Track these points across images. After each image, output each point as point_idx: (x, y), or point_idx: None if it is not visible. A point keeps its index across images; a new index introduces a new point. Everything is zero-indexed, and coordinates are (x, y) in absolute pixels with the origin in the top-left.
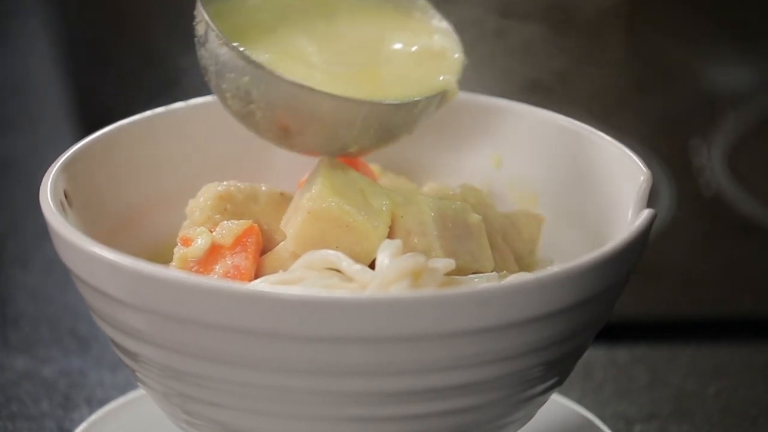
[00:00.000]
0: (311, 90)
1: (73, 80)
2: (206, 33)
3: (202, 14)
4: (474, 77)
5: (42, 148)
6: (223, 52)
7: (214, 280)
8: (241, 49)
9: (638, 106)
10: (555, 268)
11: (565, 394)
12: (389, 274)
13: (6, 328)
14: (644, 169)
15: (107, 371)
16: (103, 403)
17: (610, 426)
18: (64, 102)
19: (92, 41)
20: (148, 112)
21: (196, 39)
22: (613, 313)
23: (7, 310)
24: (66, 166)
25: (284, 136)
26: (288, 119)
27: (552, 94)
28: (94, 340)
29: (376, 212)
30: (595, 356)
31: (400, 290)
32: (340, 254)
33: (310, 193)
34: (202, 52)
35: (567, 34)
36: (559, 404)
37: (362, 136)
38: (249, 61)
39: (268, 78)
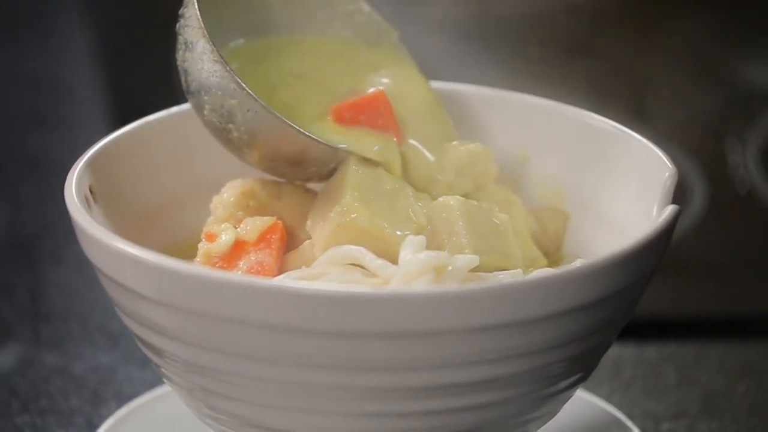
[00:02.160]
0: (300, 132)
1: (106, 77)
2: (197, 42)
3: (197, 22)
4: (517, 73)
5: (75, 145)
6: (216, 69)
7: (236, 275)
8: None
9: (674, 104)
10: (577, 264)
11: (594, 391)
12: (411, 270)
13: (37, 324)
14: (669, 165)
15: (136, 367)
16: (131, 398)
17: (638, 424)
18: (98, 99)
19: (126, 38)
20: (174, 108)
21: (181, 40)
22: (642, 310)
23: (38, 306)
24: (91, 163)
25: (250, 156)
26: (264, 148)
27: (588, 91)
28: (124, 337)
29: (405, 219)
30: (624, 354)
31: (421, 285)
32: (363, 249)
33: (338, 204)
34: (186, 56)
35: (605, 34)
36: (586, 401)
37: (328, 173)
38: (242, 87)
39: (258, 110)
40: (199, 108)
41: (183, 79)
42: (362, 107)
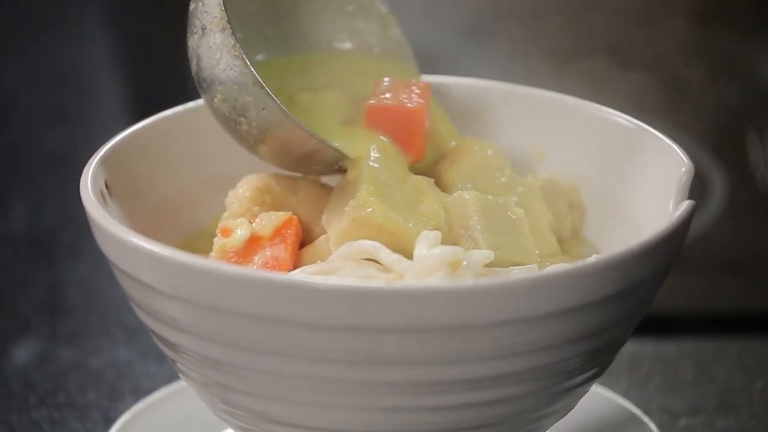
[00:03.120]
0: (312, 136)
1: (127, 74)
2: (217, 32)
3: (219, 12)
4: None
5: (96, 141)
6: (236, 64)
7: (251, 270)
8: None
9: (695, 99)
10: (592, 259)
11: (611, 386)
12: (426, 264)
13: (55, 319)
14: (686, 160)
15: (154, 362)
16: (148, 393)
17: (655, 419)
18: (119, 95)
19: (147, 34)
20: (190, 104)
21: (198, 24)
22: (660, 306)
23: (57, 301)
24: (107, 158)
25: (256, 148)
26: (273, 144)
27: (605, 87)
28: (141, 332)
29: (421, 214)
30: (642, 350)
31: (436, 280)
32: (377, 244)
33: (354, 199)
34: (201, 42)
35: (624, 27)
36: (602, 397)
37: (333, 171)
38: (261, 86)
39: (275, 110)
40: (208, 95)
41: (194, 63)
42: (396, 115)
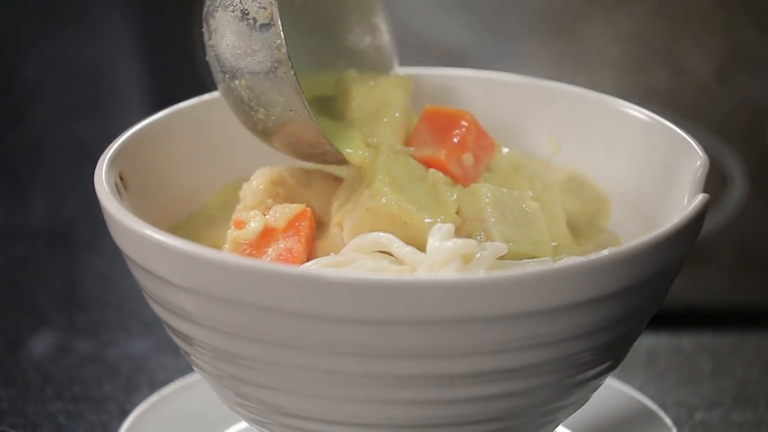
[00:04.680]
0: (328, 142)
1: (149, 65)
2: (265, 25)
3: (268, 4)
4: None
5: (118, 133)
6: (280, 66)
7: (264, 262)
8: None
9: (716, 92)
10: (605, 252)
11: (628, 380)
12: (439, 257)
13: (73, 312)
14: (701, 153)
15: (170, 355)
16: (164, 386)
17: (671, 413)
18: (140, 87)
19: (169, 26)
20: (205, 96)
21: (234, 4)
22: (678, 300)
23: (74, 293)
24: (122, 150)
25: (266, 136)
26: (284, 136)
27: (624, 78)
28: (158, 325)
29: (436, 206)
30: (659, 344)
31: (448, 273)
32: (391, 236)
33: (368, 188)
34: (239, 26)
35: (648, 21)
36: (617, 390)
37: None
38: (298, 92)
39: (302, 114)
40: (228, 75)
41: (221, 40)
42: (442, 124)
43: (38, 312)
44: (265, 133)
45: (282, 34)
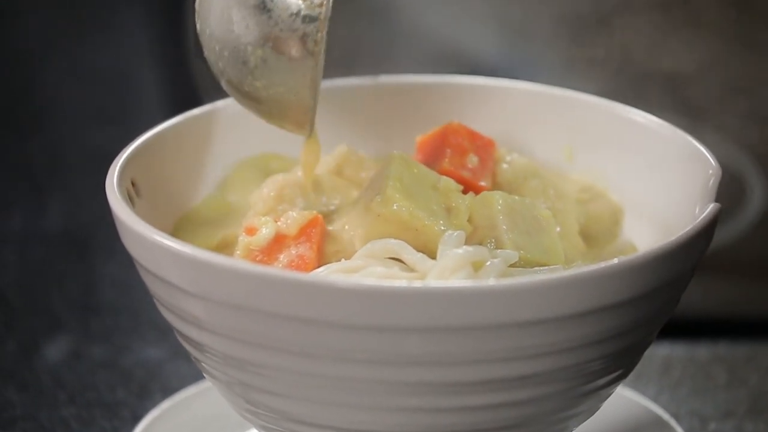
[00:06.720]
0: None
1: (169, 72)
2: (314, 16)
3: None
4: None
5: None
6: (305, 63)
7: (273, 269)
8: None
9: (732, 101)
10: (615, 261)
11: (642, 390)
12: (449, 264)
13: (87, 317)
14: (713, 162)
15: (183, 362)
16: (177, 392)
17: (684, 423)
18: (160, 93)
19: (189, 33)
20: (219, 102)
21: None
22: (693, 310)
23: (90, 299)
24: (134, 156)
25: (244, 97)
26: (269, 106)
27: (637, 87)
28: (172, 331)
29: (447, 214)
30: (674, 353)
31: (458, 280)
32: (402, 243)
33: (379, 194)
34: (253, 11)
35: (664, 29)
36: (629, 400)
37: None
38: (316, 87)
39: (305, 106)
40: (243, 55)
41: (237, 20)
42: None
43: (53, 317)
44: (247, 96)
45: (326, 30)
